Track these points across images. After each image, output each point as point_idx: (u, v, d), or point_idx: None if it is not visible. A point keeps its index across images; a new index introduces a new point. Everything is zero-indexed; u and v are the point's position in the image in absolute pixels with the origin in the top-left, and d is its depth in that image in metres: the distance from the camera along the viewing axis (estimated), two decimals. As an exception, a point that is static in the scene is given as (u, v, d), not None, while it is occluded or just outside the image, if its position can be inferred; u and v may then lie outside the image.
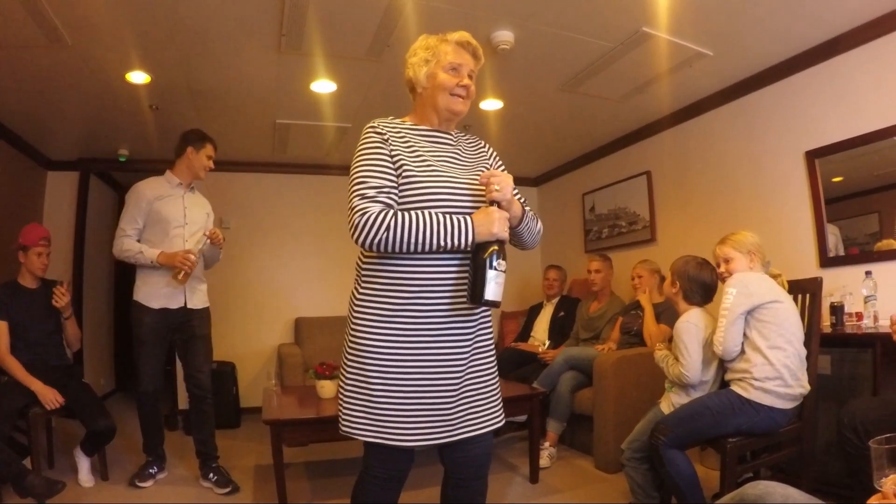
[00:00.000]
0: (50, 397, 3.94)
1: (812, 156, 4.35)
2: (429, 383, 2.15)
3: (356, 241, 2.03)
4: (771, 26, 3.99)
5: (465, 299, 2.14)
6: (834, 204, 4.29)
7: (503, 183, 2.10)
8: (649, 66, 4.57)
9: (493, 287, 2.03)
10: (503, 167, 2.42)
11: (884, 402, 2.89)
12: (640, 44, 4.18)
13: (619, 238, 6.72)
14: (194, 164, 4.32)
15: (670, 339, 3.59)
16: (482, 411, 2.31)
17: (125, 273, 8.94)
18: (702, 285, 3.45)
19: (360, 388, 2.15)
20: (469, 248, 2.07)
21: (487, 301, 2.03)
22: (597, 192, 7.14)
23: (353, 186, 2.09)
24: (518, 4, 3.72)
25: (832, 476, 3.46)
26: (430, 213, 2.04)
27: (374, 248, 2.02)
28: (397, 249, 2.02)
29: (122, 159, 6.71)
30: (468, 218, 2.05)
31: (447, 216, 2.05)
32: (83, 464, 4.20)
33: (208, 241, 4.28)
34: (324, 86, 4.92)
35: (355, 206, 2.04)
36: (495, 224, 2.05)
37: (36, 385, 3.95)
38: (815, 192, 4.34)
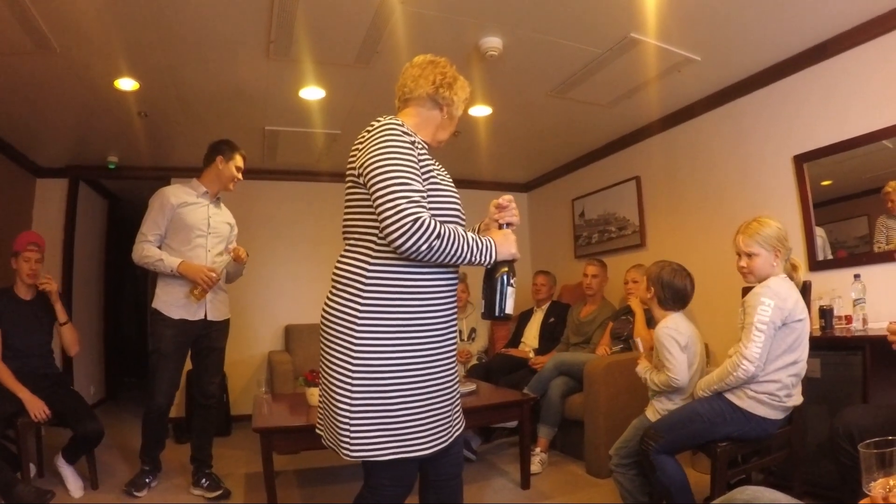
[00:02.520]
0: (38, 407, 3.91)
1: (800, 160, 4.38)
2: (438, 388, 2.20)
3: (399, 244, 1.97)
4: (758, 31, 4.02)
5: (456, 305, 2.31)
6: (823, 207, 4.32)
7: (517, 209, 2.36)
8: (638, 71, 4.58)
9: (510, 302, 2.25)
10: None
11: (877, 409, 2.88)
12: (629, 49, 4.19)
13: (608, 243, 6.74)
14: (223, 174, 4.26)
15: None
16: (459, 409, 2.45)
17: (116, 281, 8.97)
18: (675, 292, 3.41)
19: (375, 407, 2.09)
20: (489, 266, 2.23)
21: (507, 315, 2.27)
22: (586, 197, 7.17)
23: (394, 185, 2.00)
24: (506, 11, 3.72)
25: (823, 479, 3.47)
26: (462, 229, 2.16)
27: (415, 253, 1.99)
28: (435, 258, 2.04)
29: (111, 166, 6.68)
30: (491, 238, 2.21)
31: (475, 235, 2.18)
32: (67, 472, 4.15)
33: (232, 259, 4.25)
34: (313, 92, 4.91)
35: (406, 209, 1.97)
36: (513, 245, 2.26)
37: (24, 394, 3.92)
38: (804, 196, 4.36)
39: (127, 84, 4.55)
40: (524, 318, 6.60)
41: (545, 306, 6.45)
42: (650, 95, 5.11)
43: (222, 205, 4.46)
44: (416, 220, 1.96)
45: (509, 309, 2.24)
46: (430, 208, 2.08)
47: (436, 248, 2.00)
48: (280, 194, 7.49)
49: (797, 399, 3.02)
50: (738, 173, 4.98)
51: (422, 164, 2.13)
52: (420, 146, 2.19)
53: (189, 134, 5.78)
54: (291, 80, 4.67)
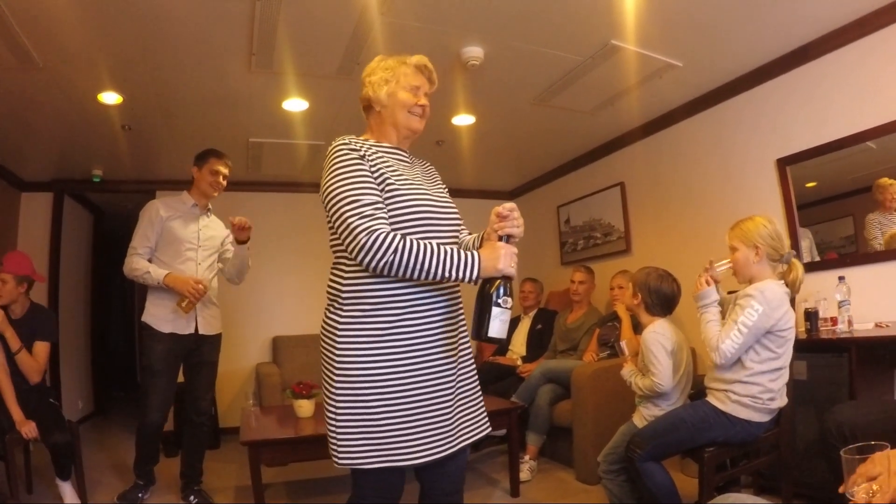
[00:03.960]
0: (30, 428, 3.85)
1: (783, 163, 4.41)
2: (427, 397, 2.12)
3: (362, 262, 1.96)
4: (739, 36, 4.05)
5: (451, 315, 2.19)
6: (808, 209, 4.36)
7: (521, 219, 2.12)
8: (619, 78, 4.61)
9: (497, 324, 1.99)
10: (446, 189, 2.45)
11: (868, 406, 2.87)
12: (610, 56, 4.21)
13: (594, 249, 6.76)
14: (200, 183, 4.23)
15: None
16: (474, 419, 2.34)
17: (103, 294, 8.93)
18: (662, 297, 3.43)
19: (357, 415, 2.07)
20: (474, 282, 2.03)
21: (491, 338, 2.01)
22: (571, 204, 7.19)
23: (345, 205, 2.01)
24: (487, 20, 3.74)
25: (813, 480, 3.47)
26: (436, 243, 2.02)
27: (379, 269, 1.97)
28: (401, 274, 1.98)
29: (96, 179, 6.65)
30: (475, 252, 2.03)
31: (454, 248, 2.03)
32: (66, 489, 4.08)
33: (219, 265, 4.21)
34: (296, 104, 4.92)
35: (359, 226, 1.96)
36: (501, 260, 2.00)
37: (18, 416, 3.86)
38: (787, 199, 4.39)
39: (110, 98, 4.54)
40: (511, 325, 6.59)
41: (532, 313, 6.47)
42: (632, 102, 5.14)
43: (213, 216, 4.43)
44: (370, 234, 1.94)
45: (494, 332, 1.99)
46: (390, 219, 2.06)
47: (395, 262, 1.95)
48: (265, 206, 7.44)
49: (781, 401, 3.01)
50: (721, 177, 5.01)
51: (376, 173, 2.10)
52: (375, 155, 2.16)
53: (173, 147, 5.78)
54: (274, 91, 4.68)
